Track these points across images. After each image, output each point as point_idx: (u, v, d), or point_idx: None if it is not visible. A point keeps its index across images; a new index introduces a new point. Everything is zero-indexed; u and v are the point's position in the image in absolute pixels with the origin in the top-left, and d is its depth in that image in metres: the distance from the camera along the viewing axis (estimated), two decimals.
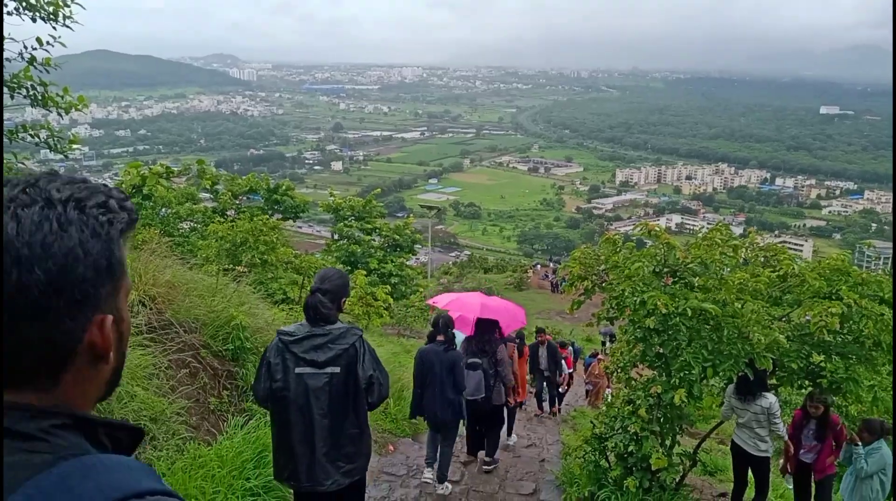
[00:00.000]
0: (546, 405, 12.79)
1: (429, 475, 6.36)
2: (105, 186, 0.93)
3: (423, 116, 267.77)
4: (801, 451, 6.39)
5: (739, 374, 5.50)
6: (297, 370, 3.61)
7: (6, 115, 5.36)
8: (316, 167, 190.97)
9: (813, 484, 6.52)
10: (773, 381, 6.23)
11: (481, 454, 7.43)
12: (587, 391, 16.17)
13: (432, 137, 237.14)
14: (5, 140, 5.32)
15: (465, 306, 7.88)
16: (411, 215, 25.78)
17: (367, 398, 3.75)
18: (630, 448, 5.85)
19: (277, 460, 3.76)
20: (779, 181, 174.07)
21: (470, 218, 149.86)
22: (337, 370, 3.63)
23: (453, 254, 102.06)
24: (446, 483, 6.43)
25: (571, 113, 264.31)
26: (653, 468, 5.70)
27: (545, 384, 12.66)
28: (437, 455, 6.40)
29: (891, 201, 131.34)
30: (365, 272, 16.76)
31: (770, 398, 6.00)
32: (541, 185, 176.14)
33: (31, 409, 0.84)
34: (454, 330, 6.58)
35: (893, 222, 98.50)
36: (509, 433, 8.71)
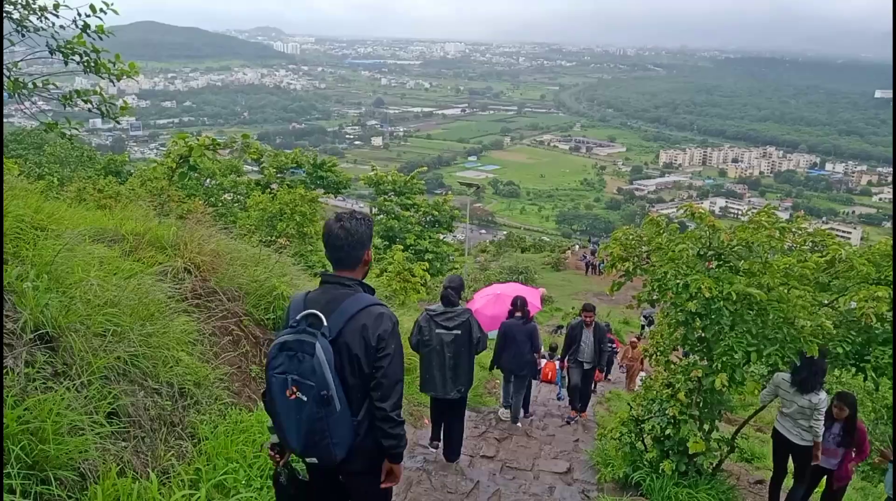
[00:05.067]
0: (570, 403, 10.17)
1: (504, 414, 8.75)
2: (367, 215, 3.14)
3: (465, 92, 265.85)
4: (822, 457, 6.14)
5: (801, 363, 5.35)
6: (437, 331, 6.23)
7: (58, 82, 5.45)
8: (356, 142, 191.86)
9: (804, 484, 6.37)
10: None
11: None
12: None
13: (473, 114, 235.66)
14: (59, 106, 5.44)
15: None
16: (450, 192, 25.73)
17: (476, 348, 6.36)
18: (667, 432, 5.80)
19: (424, 379, 6.41)
20: (828, 166, 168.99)
21: (508, 197, 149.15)
22: (459, 332, 6.21)
23: (490, 232, 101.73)
24: (518, 423, 8.58)
25: (616, 92, 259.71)
26: (690, 452, 5.65)
27: (582, 377, 9.63)
28: (511, 400, 8.63)
29: None
30: (402, 248, 16.83)
31: (821, 395, 5.81)
32: (582, 164, 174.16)
33: (348, 278, 3.01)
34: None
35: (893, 222, 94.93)
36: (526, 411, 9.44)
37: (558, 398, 11.65)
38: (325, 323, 2.80)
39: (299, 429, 2.77)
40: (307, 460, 2.92)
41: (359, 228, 2.97)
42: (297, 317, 2.83)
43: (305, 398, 2.72)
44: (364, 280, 3.09)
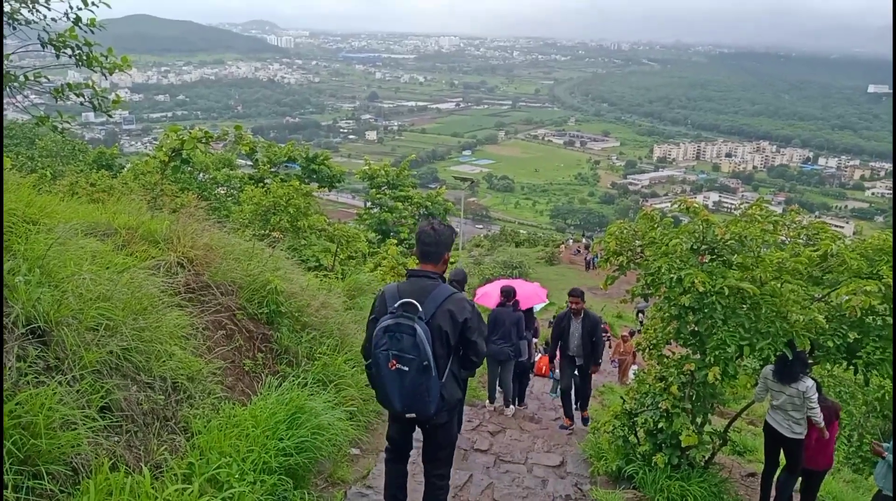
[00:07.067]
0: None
1: (490, 407, 8.99)
2: (451, 225, 4.12)
3: (459, 86, 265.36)
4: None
5: (779, 355, 5.40)
6: None
7: (50, 76, 5.42)
8: (350, 136, 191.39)
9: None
10: (810, 360, 6.11)
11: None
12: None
13: (467, 108, 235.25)
14: (51, 99, 5.40)
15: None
16: (444, 186, 25.68)
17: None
18: (660, 425, 5.82)
19: None
20: (821, 161, 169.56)
21: (503, 191, 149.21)
22: None
23: (484, 226, 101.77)
24: (511, 406, 9.04)
25: (610, 86, 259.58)
26: (682, 445, 5.67)
27: (575, 374, 9.01)
28: (496, 392, 9.14)
29: None
30: (396, 243, 16.81)
31: (808, 382, 5.86)
32: (576, 159, 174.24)
33: (432, 272, 3.84)
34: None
35: (893, 220, 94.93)
36: (515, 402, 9.44)
37: (552, 394, 11.68)
38: (420, 309, 3.57)
39: (402, 393, 3.59)
40: (407, 415, 3.73)
41: (445, 231, 3.88)
42: (396, 305, 3.60)
43: (407, 369, 3.52)
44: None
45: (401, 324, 3.52)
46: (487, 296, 10.07)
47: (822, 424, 6.02)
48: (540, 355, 13.80)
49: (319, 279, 8.29)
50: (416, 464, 4.49)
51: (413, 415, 3.72)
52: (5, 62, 5.03)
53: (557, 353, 9.07)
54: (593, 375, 9.13)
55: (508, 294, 8.85)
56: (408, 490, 4.40)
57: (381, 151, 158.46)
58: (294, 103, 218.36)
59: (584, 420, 9.00)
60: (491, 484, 6.05)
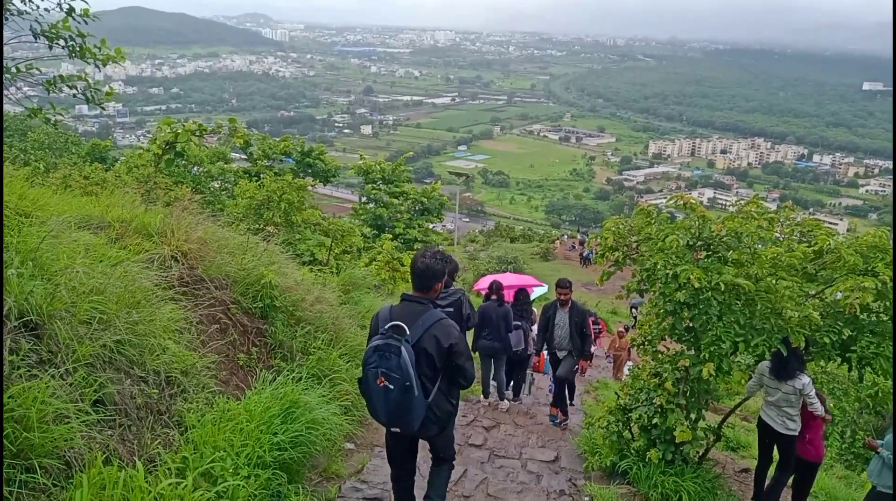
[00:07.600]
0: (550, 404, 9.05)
1: (484, 402, 9.02)
2: (448, 254, 4.48)
3: (455, 81, 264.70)
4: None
5: (775, 351, 5.41)
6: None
7: (43, 68, 5.37)
8: (345, 131, 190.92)
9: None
10: (805, 357, 6.12)
11: (508, 394, 9.47)
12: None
13: (463, 103, 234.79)
14: (44, 91, 5.36)
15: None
16: (439, 181, 25.65)
17: (467, 324, 6.99)
18: (654, 421, 5.83)
19: None
20: (816, 158, 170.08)
21: (498, 186, 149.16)
22: (451, 309, 6.55)
23: (479, 221, 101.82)
24: (505, 400, 9.06)
25: (606, 82, 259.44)
26: (677, 441, 5.67)
27: (561, 368, 8.65)
28: (490, 386, 9.17)
29: None
30: (391, 237, 16.78)
31: (804, 379, 5.87)
32: (571, 155, 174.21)
33: (423, 298, 3.99)
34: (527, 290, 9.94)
35: (893, 218, 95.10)
36: (516, 394, 9.81)
37: (549, 391, 11.64)
38: (408, 331, 3.76)
39: (387, 408, 3.77)
40: (392, 429, 3.96)
41: (436, 266, 3.99)
42: (386, 327, 3.79)
43: (392, 387, 3.69)
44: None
45: (390, 345, 3.71)
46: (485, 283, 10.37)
47: (824, 413, 6.06)
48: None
49: (314, 274, 8.26)
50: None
51: (398, 430, 3.93)
52: None
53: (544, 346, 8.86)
54: (585, 372, 8.97)
55: (495, 289, 9.04)
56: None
57: (376, 145, 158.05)
58: (289, 97, 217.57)
59: (553, 417, 8.58)
60: (485, 479, 6.06)
